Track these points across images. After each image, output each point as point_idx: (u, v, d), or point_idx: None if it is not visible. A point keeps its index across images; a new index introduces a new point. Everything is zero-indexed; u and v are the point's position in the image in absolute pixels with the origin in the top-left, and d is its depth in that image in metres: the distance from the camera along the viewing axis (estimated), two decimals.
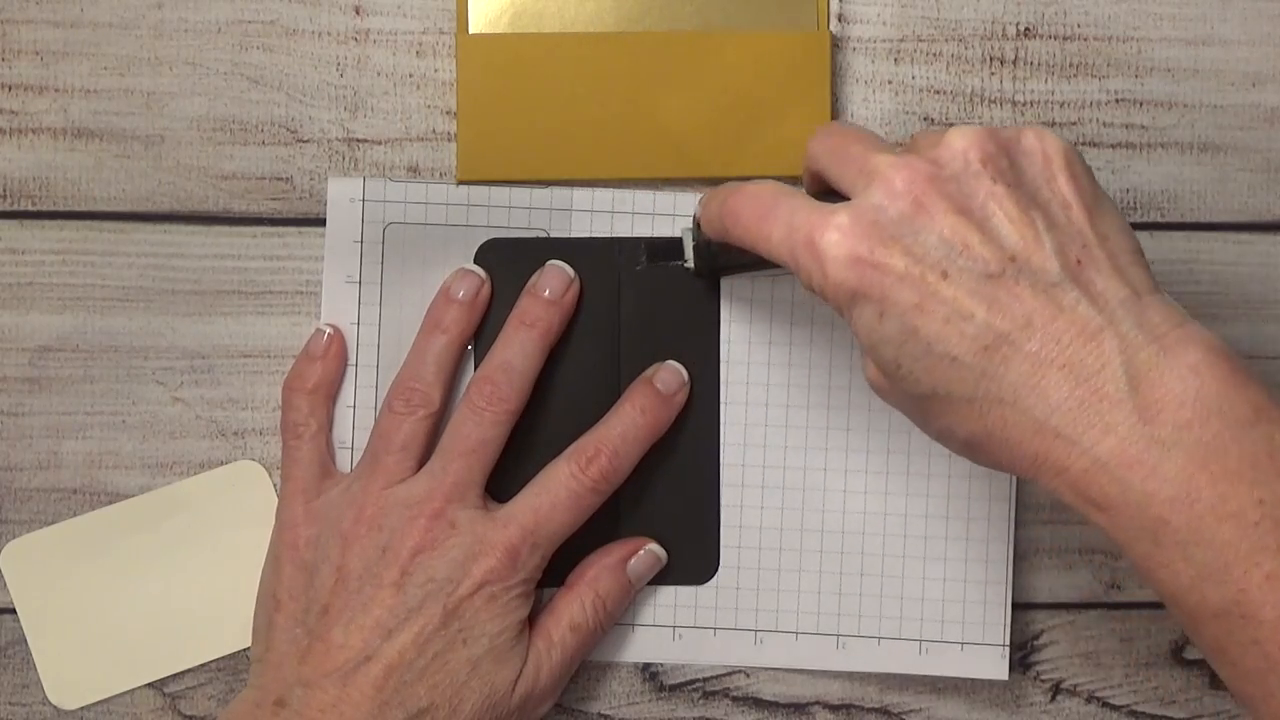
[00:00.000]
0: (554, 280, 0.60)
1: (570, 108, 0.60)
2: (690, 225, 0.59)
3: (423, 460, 0.58)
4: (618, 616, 0.60)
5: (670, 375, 0.60)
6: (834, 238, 0.48)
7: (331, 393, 0.60)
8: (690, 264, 0.59)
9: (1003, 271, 0.47)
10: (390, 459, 0.58)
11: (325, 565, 0.56)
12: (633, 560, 0.60)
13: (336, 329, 0.60)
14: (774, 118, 0.60)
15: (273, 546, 0.58)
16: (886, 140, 0.52)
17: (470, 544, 0.56)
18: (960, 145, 0.48)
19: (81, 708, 0.61)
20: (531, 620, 0.58)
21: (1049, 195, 0.49)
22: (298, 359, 0.60)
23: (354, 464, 0.60)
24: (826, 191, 0.52)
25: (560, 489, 0.57)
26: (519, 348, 0.58)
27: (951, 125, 0.50)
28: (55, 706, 0.61)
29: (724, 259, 0.57)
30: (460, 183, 0.61)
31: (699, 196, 0.58)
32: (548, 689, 0.58)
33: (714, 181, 0.61)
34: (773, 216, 0.50)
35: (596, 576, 0.59)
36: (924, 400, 0.49)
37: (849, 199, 0.49)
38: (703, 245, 0.58)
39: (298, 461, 0.59)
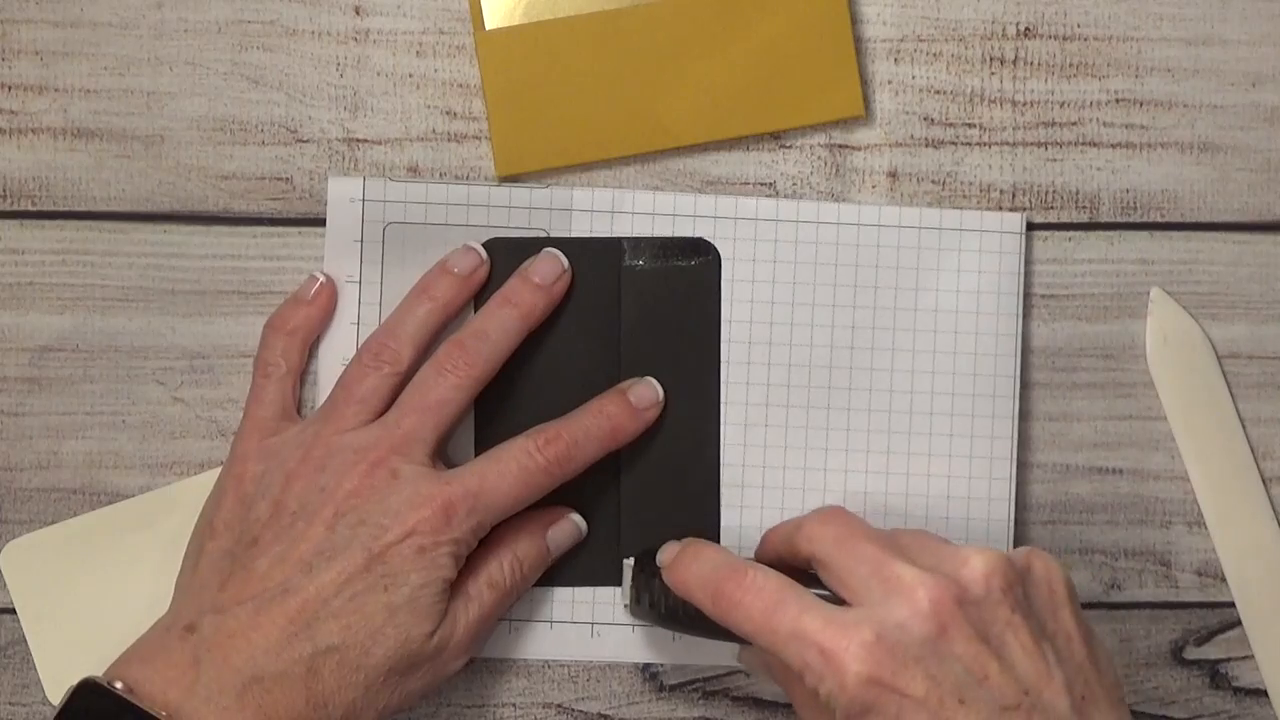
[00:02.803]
0: (546, 267, 0.60)
1: (597, 88, 0.60)
2: (631, 562, 0.58)
3: (380, 415, 0.58)
4: (533, 580, 0.60)
5: (645, 390, 0.60)
6: (856, 653, 0.49)
7: (309, 339, 0.60)
8: (626, 602, 0.58)
9: (1018, 704, 0.49)
10: (349, 409, 0.57)
11: (264, 499, 0.56)
12: (552, 528, 0.60)
13: (329, 278, 0.60)
14: (800, 68, 0.60)
15: (220, 478, 0.58)
16: (892, 539, 0.52)
17: (408, 495, 0.56)
18: (983, 570, 0.50)
19: None
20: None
21: (1055, 627, 0.51)
22: (285, 301, 0.60)
23: None
24: (797, 572, 0.52)
25: (512, 461, 0.57)
26: (497, 321, 0.58)
27: (962, 545, 0.51)
28: (55, 706, 0.60)
29: (680, 617, 0.55)
30: (501, 179, 0.61)
31: (660, 549, 0.57)
32: (463, 643, 0.57)
33: (751, 140, 0.61)
34: (781, 612, 0.50)
35: (515, 538, 0.59)
36: None
37: (842, 595, 0.51)
38: (658, 591, 0.56)
39: (260, 400, 0.59)
